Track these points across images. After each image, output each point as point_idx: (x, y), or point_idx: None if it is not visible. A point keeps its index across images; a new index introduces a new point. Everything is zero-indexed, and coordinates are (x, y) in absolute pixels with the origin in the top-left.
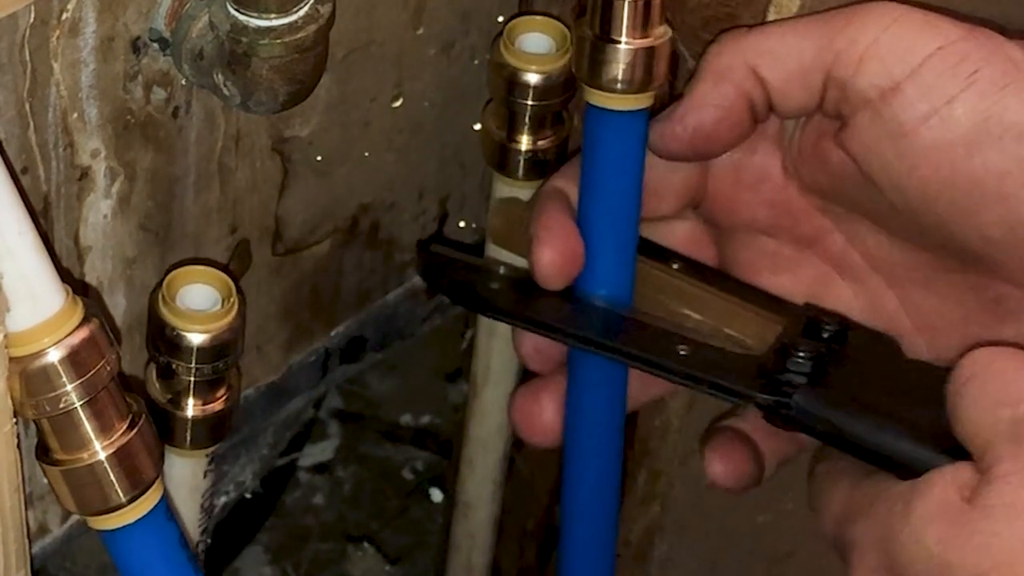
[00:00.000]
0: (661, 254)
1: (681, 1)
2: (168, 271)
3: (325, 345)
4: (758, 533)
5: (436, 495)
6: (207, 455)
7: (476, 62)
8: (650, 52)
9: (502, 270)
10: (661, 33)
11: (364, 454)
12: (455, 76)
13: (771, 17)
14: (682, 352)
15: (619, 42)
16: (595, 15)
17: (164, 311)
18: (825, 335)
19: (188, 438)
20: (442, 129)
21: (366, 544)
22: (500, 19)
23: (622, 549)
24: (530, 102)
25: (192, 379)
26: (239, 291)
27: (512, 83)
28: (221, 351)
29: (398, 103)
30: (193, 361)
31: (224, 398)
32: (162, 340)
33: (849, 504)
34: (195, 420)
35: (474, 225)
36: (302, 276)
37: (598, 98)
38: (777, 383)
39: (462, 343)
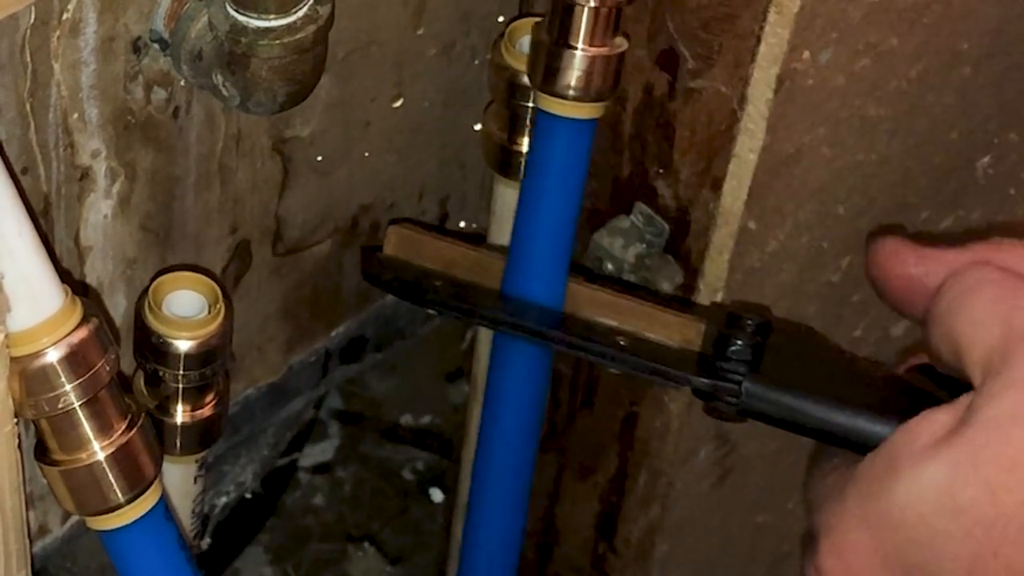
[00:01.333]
0: (578, 271)
1: (681, 1)
2: (154, 277)
3: (325, 345)
4: (758, 533)
5: (436, 495)
6: (197, 460)
7: (476, 62)
8: (607, 61)
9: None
10: (619, 44)
11: (364, 454)
12: (455, 76)
13: (771, 18)
14: (622, 343)
15: (575, 48)
16: (554, 20)
17: (150, 318)
18: (750, 328)
19: (178, 444)
20: (442, 129)
21: (366, 544)
22: (500, 19)
23: (622, 549)
24: (531, 104)
25: (180, 386)
26: (226, 296)
27: (513, 85)
28: (209, 357)
29: (398, 103)
30: (180, 368)
31: (213, 404)
32: (149, 348)
33: (818, 493)
34: (184, 426)
35: (474, 225)
36: (302, 276)
37: (551, 104)
38: (718, 371)
39: (462, 343)
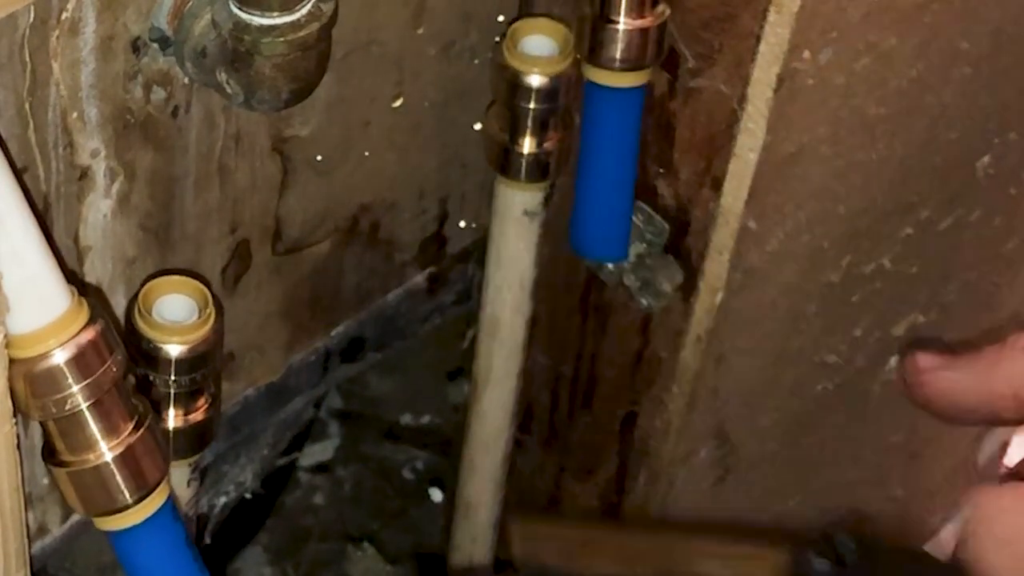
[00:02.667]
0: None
1: (681, 1)
2: (144, 282)
3: (325, 345)
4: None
5: (436, 495)
6: (190, 464)
7: (476, 62)
8: (645, 33)
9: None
10: (660, 12)
11: (364, 454)
12: (455, 76)
13: (771, 17)
14: None
15: (617, 23)
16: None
17: (140, 323)
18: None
19: (170, 448)
20: (442, 129)
21: (366, 544)
22: (501, 19)
23: None
24: (533, 105)
25: (171, 391)
26: (216, 300)
27: (515, 85)
28: (200, 362)
29: (398, 103)
30: (172, 374)
31: (205, 408)
32: (139, 353)
33: None
34: (176, 431)
35: (474, 225)
36: (302, 276)
37: (597, 75)
38: None
39: (462, 343)
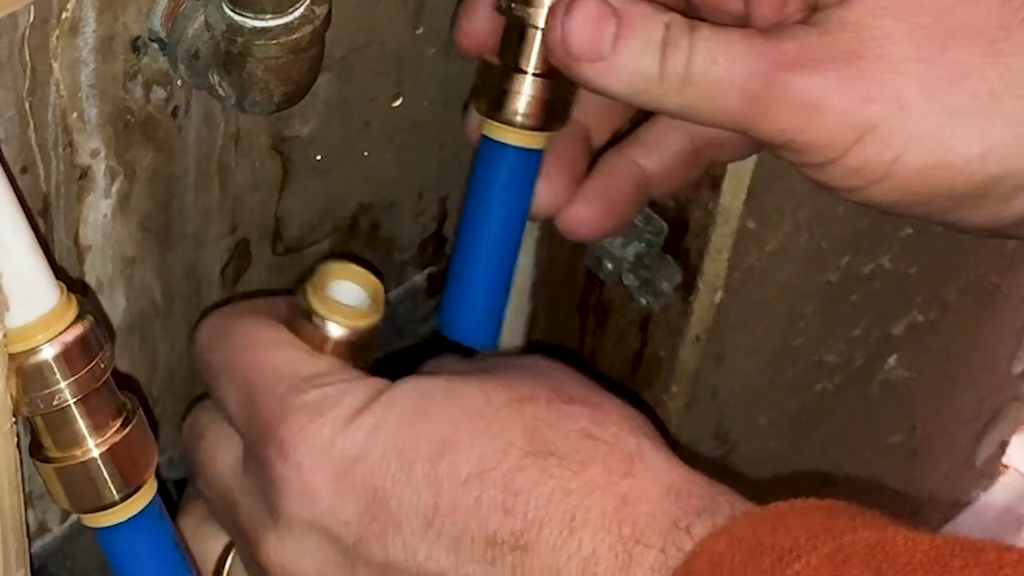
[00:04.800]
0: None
1: None
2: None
3: None
4: None
5: None
6: None
7: (476, 62)
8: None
9: None
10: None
11: None
12: (455, 76)
13: None
14: None
15: (526, 72)
16: (508, 44)
17: (310, 295)
18: None
19: None
20: (442, 129)
21: None
22: None
23: None
24: None
25: None
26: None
27: None
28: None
29: (398, 103)
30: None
31: None
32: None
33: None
34: None
35: None
36: (302, 275)
37: (496, 131)
38: None
39: None
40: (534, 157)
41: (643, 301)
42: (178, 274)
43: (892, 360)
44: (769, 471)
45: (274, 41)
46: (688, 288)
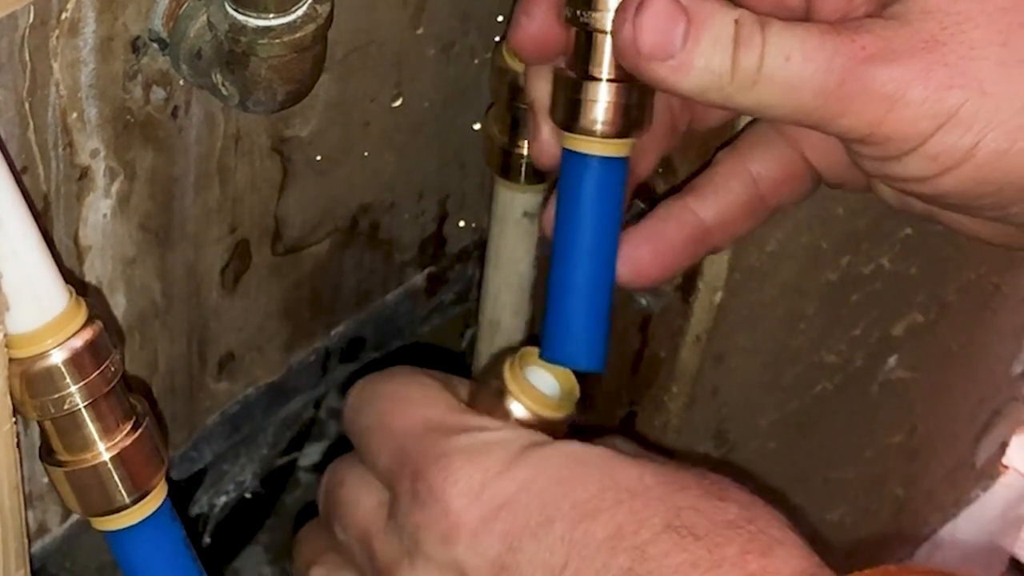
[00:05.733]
0: None
1: None
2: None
3: (325, 345)
4: None
5: None
6: None
7: (476, 62)
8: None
9: None
10: None
11: None
12: (455, 76)
13: None
14: None
15: (599, 79)
16: (579, 53)
17: (508, 374)
18: None
19: None
20: (442, 129)
21: None
22: (500, 19)
23: None
24: None
25: None
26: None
27: (515, 87)
28: None
29: (398, 103)
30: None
31: None
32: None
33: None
34: None
35: (473, 225)
36: (302, 276)
37: (578, 143)
38: None
39: (462, 343)
40: (620, 165)
41: (643, 301)
42: (178, 274)
43: (892, 360)
44: (769, 471)
45: (277, 40)
46: (688, 288)
